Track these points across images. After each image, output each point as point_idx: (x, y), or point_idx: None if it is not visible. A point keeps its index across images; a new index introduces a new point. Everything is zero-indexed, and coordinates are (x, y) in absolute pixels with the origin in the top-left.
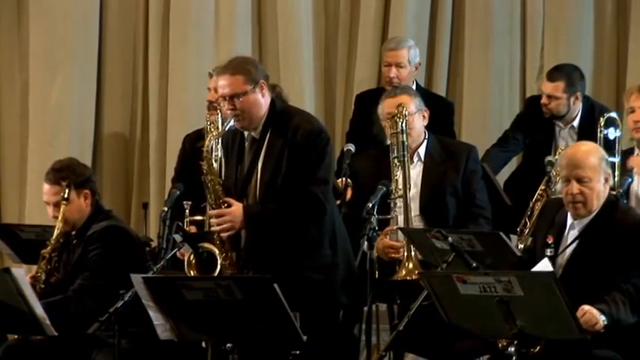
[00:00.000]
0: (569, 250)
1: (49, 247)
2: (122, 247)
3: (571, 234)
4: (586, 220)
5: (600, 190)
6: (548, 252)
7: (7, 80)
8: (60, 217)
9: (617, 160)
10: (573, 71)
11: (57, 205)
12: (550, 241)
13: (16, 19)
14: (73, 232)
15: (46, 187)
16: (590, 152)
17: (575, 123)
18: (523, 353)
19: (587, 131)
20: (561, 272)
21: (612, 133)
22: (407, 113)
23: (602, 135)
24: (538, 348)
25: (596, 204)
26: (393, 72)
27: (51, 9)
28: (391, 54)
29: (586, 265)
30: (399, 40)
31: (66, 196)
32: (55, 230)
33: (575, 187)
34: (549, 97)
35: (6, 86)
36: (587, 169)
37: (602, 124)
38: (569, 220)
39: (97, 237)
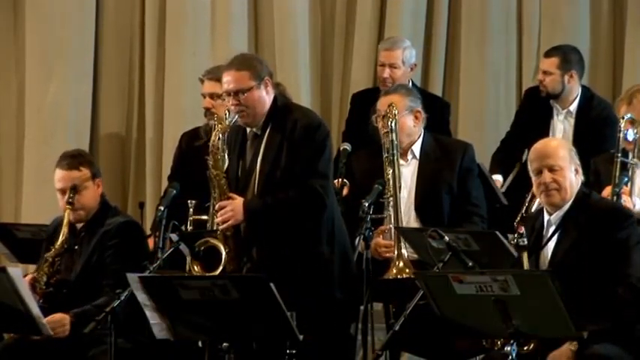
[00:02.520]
0: (550, 246)
1: (52, 251)
2: (141, 243)
3: (550, 230)
4: (561, 213)
5: (572, 180)
6: (521, 242)
7: (3, 79)
8: (65, 222)
9: (633, 161)
10: (571, 51)
11: (73, 191)
12: (521, 230)
13: (12, 18)
14: (79, 225)
15: (62, 172)
16: (560, 145)
17: (573, 108)
18: (519, 352)
19: (584, 118)
20: (547, 265)
21: (631, 135)
22: (396, 113)
23: (621, 135)
24: (532, 345)
25: (570, 193)
26: (387, 72)
27: (47, 8)
28: (385, 54)
29: (569, 255)
30: (394, 41)
31: (70, 200)
32: (61, 236)
33: (547, 175)
34: (545, 72)
35: (2, 85)
36: (558, 159)
37: (621, 125)
38: (546, 218)
39: (116, 232)
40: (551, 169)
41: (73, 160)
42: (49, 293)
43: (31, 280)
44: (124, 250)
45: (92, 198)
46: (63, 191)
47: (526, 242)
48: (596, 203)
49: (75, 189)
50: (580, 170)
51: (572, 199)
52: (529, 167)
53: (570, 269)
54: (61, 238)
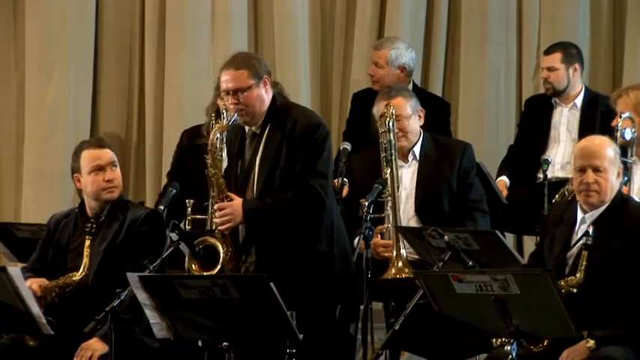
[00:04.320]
0: (579, 243)
1: (68, 280)
2: (165, 234)
3: (582, 228)
4: (597, 213)
5: (614, 183)
6: (588, 242)
7: (3, 79)
8: (86, 253)
9: (630, 161)
10: (570, 45)
11: (114, 168)
12: (590, 229)
13: (12, 17)
14: (95, 211)
15: (96, 151)
16: (607, 144)
17: (578, 102)
18: (522, 352)
19: (592, 111)
20: (571, 263)
21: (629, 134)
22: (394, 112)
23: (618, 134)
24: (546, 343)
25: (609, 196)
26: (371, 70)
27: (47, 8)
28: (373, 52)
29: (600, 256)
30: (383, 41)
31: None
32: (82, 268)
33: (591, 175)
34: (549, 69)
35: (2, 85)
36: (604, 160)
37: (619, 124)
38: (580, 215)
39: (146, 220)
40: (596, 170)
41: (102, 141)
42: (55, 304)
43: (36, 292)
44: (158, 237)
45: (121, 179)
46: (101, 168)
47: (591, 242)
48: (635, 207)
49: (114, 165)
50: (622, 172)
51: (610, 201)
52: (572, 163)
53: (600, 270)
54: (80, 274)
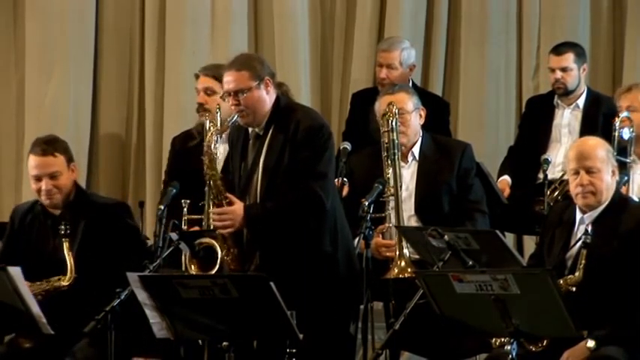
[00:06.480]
0: (578, 243)
1: (59, 284)
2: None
3: (581, 229)
4: (595, 214)
5: (609, 182)
6: (587, 240)
7: (2, 79)
8: (66, 250)
9: (630, 160)
10: (577, 45)
11: (52, 178)
12: (589, 228)
13: (12, 17)
14: (58, 212)
15: (37, 159)
16: (598, 145)
17: (580, 102)
18: (522, 352)
19: (594, 112)
20: (570, 263)
21: (627, 134)
22: (397, 111)
23: (616, 134)
24: (546, 343)
25: (606, 195)
26: (384, 73)
27: (47, 8)
28: (383, 55)
29: (596, 255)
30: (392, 42)
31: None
32: (68, 276)
33: (585, 177)
34: (563, 69)
35: (2, 85)
36: (596, 161)
37: (617, 124)
38: (578, 216)
39: (116, 209)
40: (589, 171)
41: (47, 146)
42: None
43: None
44: (132, 227)
45: (68, 183)
46: (38, 178)
47: (589, 240)
48: (633, 207)
49: (53, 176)
50: (617, 171)
51: (607, 201)
52: (567, 166)
53: (599, 269)
54: (68, 279)
